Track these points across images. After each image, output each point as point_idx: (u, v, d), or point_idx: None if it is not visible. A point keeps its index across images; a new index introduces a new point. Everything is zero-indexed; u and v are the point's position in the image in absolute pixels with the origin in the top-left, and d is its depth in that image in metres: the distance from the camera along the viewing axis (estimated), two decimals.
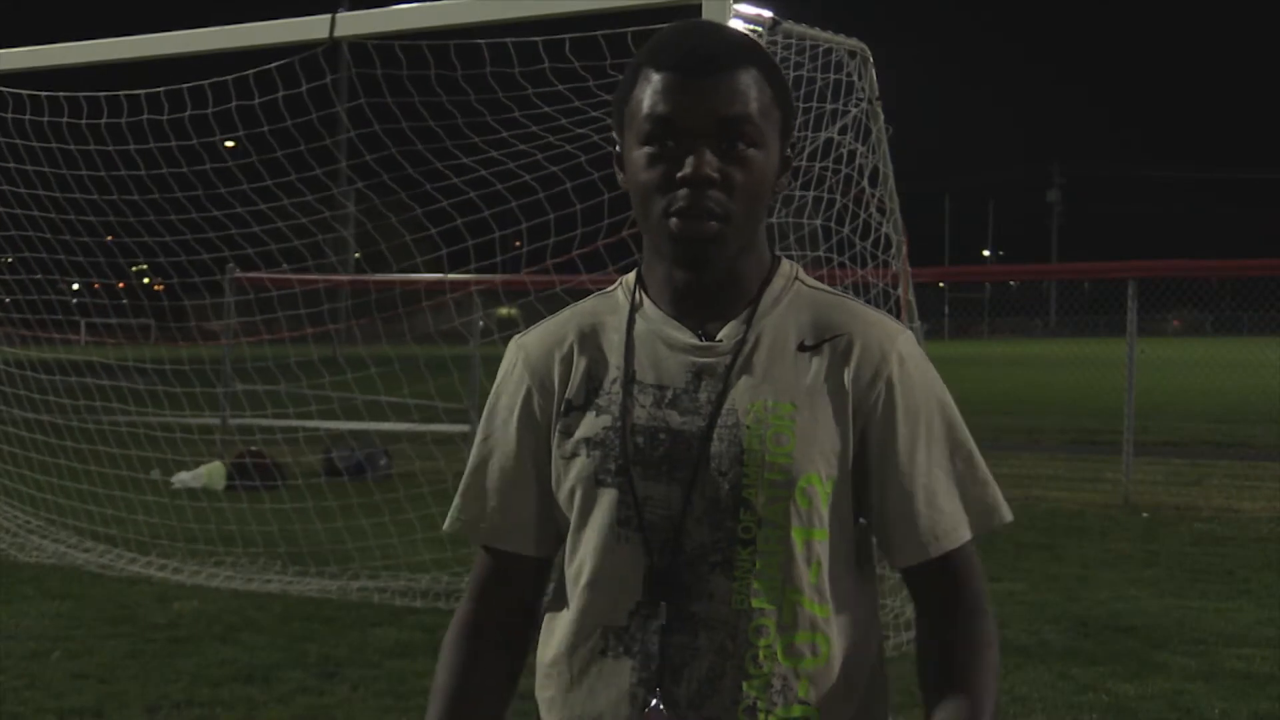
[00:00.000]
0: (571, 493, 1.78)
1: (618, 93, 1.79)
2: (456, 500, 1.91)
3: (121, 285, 11.51)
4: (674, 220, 1.70)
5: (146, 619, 6.91)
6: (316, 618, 6.92)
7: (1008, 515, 1.81)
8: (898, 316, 6.69)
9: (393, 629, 6.66)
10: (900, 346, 1.77)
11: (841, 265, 6.58)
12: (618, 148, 1.80)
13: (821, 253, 6.50)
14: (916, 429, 1.76)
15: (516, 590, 1.87)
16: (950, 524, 1.76)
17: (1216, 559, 8.57)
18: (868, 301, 2.14)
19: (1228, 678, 5.80)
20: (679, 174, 1.69)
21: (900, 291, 6.91)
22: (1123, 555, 8.72)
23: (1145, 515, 10.34)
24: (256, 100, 7.09)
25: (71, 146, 7.89)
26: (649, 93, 1.72)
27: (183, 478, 11.24)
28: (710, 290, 1.77)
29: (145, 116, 7.46)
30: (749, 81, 1.71)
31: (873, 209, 6.74)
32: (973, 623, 1.76)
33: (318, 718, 5.28)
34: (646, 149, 1.72)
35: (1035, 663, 6.00)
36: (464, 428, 13.97)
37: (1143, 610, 7.07)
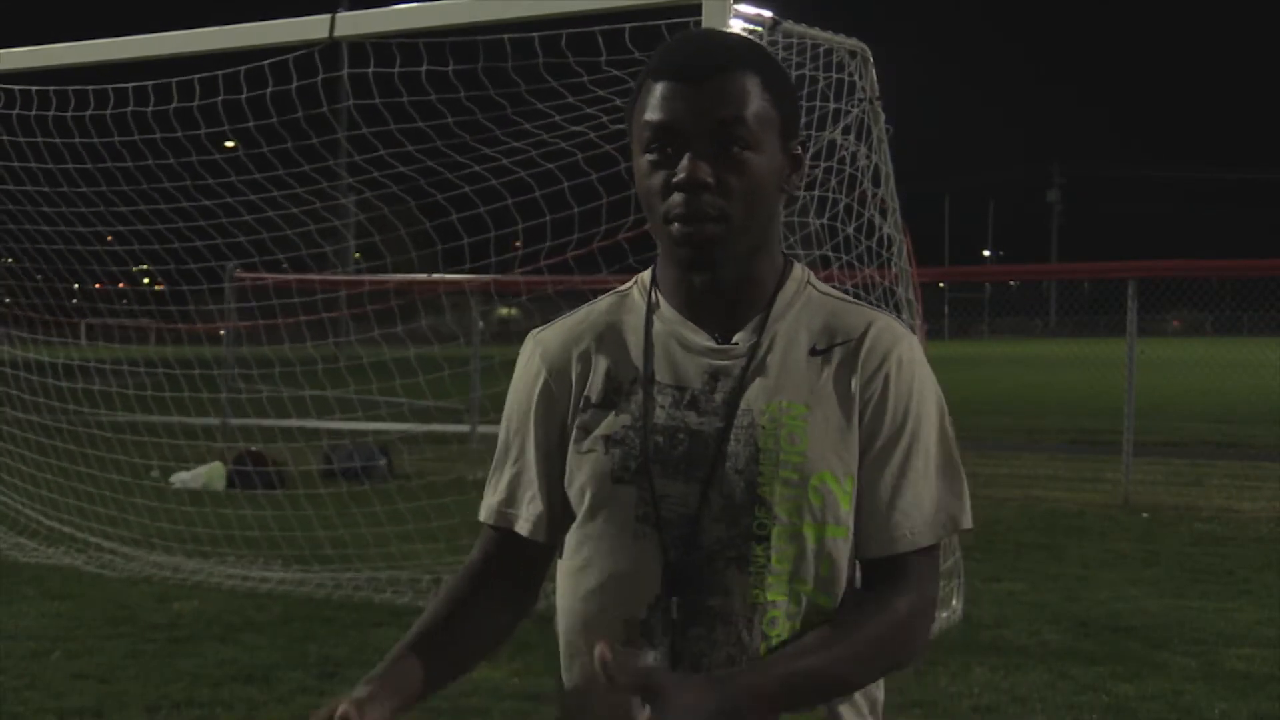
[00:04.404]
0: (584, 488, 1.82)
1: (628, 106, 1.85)
2: (486, 491, 1.96)
3: (121, 285, 11.53)
4: (674, 226, 1.75)
5: (146, 619, 6.90)
6: (316, 618, 6.91)
7: (970, 523, 1.86)
8: (899, 315, 6.73)
9: (393, 629, 6.66)
10: (901, 350, 1.82)
11: (851, 265, 6.58)
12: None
13: (828, 251, 6.50)
14: (897, 432, 1.80)
15: (524, 564, 1.93)
16: (914, 527, 1.80)
17: (1216, 559, 8.56)
18: (872, 301, 2.17)
19: (1228, 678, 5.80)
20: (674, 179, 1.74)
21: (903, 290, 6.91)
22: (1123, 555, 8.71)
23: (1145, 515, 10.33)
24: (244, 95, 7.09)
25: (75, 140, 7.87)
26: (649, 102, 1.77)
27: (182, 478, 11.23)
28: (724, 293, 1.82)
29: (150, 108, 7.45)
30: (744, 84, 1.75)
31: (874, 209, 6.74)
32: (900, 605, 1.78)
33: None
34: (648, 156, 1.77)
35: (1035, 663, 6.00)
36: (463, 428, 13.99)
37: (1143, 610, 7.07)
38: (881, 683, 1.88)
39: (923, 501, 1.81)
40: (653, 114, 1.75)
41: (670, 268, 1.84)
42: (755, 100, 1.75)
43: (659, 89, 1.76)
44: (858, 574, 1.85)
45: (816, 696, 1.75)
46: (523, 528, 1.90)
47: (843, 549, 1.79)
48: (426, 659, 1.85)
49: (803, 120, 6.22)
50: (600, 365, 1.85)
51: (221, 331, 15.20)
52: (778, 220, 1.87)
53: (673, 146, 1.74)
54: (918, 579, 1.80)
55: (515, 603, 1.94)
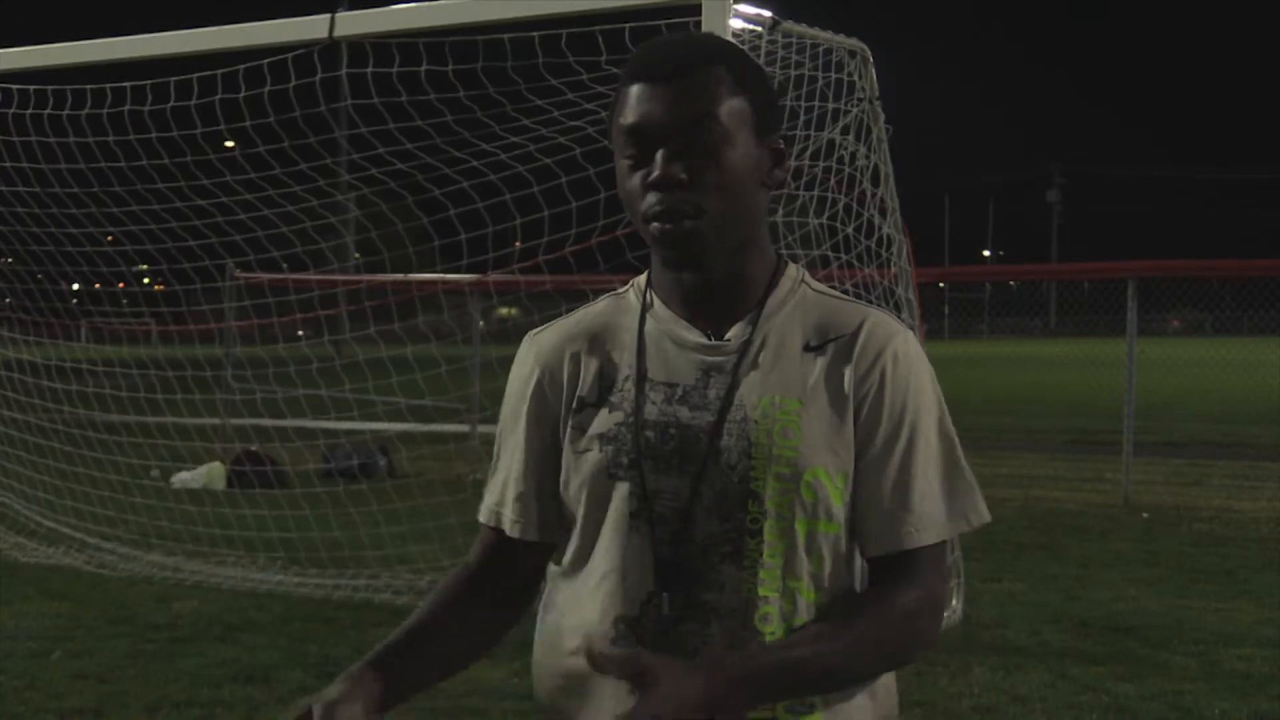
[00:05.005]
0: (581, 487, 1.82)
1: (609, 112, 1.86)
2: (485, 491, 1.97)
3: (121, 285, 11.52)
4: (653, 225, 1.76)
5: (146, 619, 6.90)
6: (316, 618, 6.91)
7: (985, 517, 1.85)
8: (899, 315, 6.73)
9: (392, 629, 6.64)
10: (897, 345, 1.81)
11: (850, 265, 6.57)
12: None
13: (826, 251, 6.50)
14: (897, 426, 1.79)
15: (517, 565, 1.93)
16: (918, 524, 1.79)
17: (1216, 559, 8.56)
18: (870, 300, 2.16)
19: (1228, 678, 5.80)
20: (649, 179, 1.76)
21: (902, 290, 6.91)
22: (1123, 555, 8.71)
23: (1145, 515, 10.33)
24: (242, 94, 7.08)
25: (70, 139, 7.87)
26: (623, 107, 1.79)
27: (182, 478, 11.23)
28: (715, 291, 1.82)
29: (148, 107, 7.45)
30: (713, 80, 1.76)
31: (874, 209, 6.74)
32: (903, 600, 1.76)
33: None
34: (625, 160, 1.80)
35: (1035, 663, 6.00)
36: (463, 428, 13.98)
37: (1143, 610, 7.07)
38: (896, 691, 1.86)
39: (927, 497, 1.79)
40: (626, 117, 1.78)
41: (662, 268, 1.85)
42: (726, 95, 1.76)
43: (633, 92, 1.78)
44: (857, 571, 1.84)
45: (812, 687, 1.73)
46: (512, 529, 1.90)
47: (835, 545, 1.78)
48: (408, 661, 1.85)
49: (801, 119, 6.24)
50: (593, 365, 1.86)
51: (223, 330, 15.19)
52: (764, 216, 1.86)
53: (646, 146, 1.76)
54: (923, 575, 1.78)
55: (508, 605, 1.94)
